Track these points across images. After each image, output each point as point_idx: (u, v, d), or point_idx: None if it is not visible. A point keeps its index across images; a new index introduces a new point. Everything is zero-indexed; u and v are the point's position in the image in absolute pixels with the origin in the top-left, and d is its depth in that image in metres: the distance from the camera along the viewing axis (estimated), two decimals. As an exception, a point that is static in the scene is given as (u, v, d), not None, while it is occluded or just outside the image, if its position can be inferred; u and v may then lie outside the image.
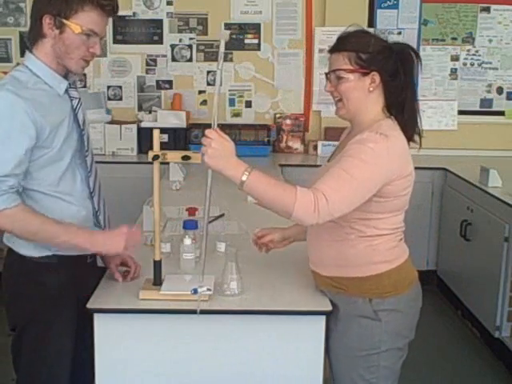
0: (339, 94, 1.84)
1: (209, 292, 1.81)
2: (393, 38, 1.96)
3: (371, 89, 1.81)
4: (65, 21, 1.78)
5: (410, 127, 1.86)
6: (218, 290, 1.91)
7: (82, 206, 1.93)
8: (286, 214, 1.67)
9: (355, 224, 1.82)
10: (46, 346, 1.91)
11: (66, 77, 1.90)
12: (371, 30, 4.56)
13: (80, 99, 1.95)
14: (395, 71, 1.81)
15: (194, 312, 1.82)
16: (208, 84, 4.73)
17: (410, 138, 1.88)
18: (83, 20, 1.79)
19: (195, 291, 1.79)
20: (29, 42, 1.88)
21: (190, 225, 2.17)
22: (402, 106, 1.84)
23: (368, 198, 1.75)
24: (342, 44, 1.83)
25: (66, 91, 1.90)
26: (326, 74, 1.87)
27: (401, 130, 1.83)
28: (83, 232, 1.83)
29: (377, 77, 1.81)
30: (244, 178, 1.69)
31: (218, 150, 1.68)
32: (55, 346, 1.92)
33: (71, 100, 1.91)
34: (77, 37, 1.80)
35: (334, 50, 1.85)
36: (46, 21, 1.80)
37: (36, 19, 1.82)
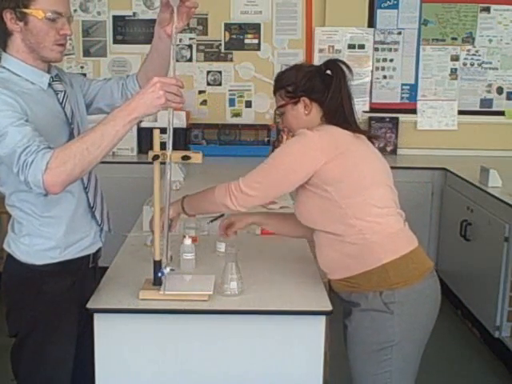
0: (287, 128, 2.07)
1: (172, 271, 1.85)
2: (393, 38, 2.02)
3: (306, 112, 2.00)
4: (25, 10, 1.73)
5: (349, 124, 1.97)
6: (218, 290, 1.91)
7: (77, 201, 1.90)
8: (216, 207, 1.99)
9: (338, 224, 1.90)
10: (48, 352, 1.89)
11: (48, 71, 1.86)
12: (371, 30, 4.63)
13: (65, 91, 1.90)
14: (323, 88, 1.98)
15: (194, 312, 1.83)
16: (208, 84, 4.73)
17: (355, 131, 1.99)
18: (43, 4, 1.74)
19: (162, 273, 1.83)
20: (2, 43, 1.82)
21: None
22: (339, 111, 1.97)
23: (294, 182, 1.91)
24: (275, 85, 2.07)
25: (50, 85, 1.86)
26: (275, 113, 2.12)
27: (338, 126, 1.96)
28: (118, 112, 1.63)
29: (306, 100, 1.99)
30: (182, 207, 2.05)
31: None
32: (57, 352, 1.91)
33: (56, 94, 1.87)
34: (43, 23, 1.75)
35: (273, 92, 2.08)
36: (7, 16, 1.74)
37: None
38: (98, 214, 1.98)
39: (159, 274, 1.84)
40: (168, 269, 1.82)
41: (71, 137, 1.86)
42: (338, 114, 1.97)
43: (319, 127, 1.95)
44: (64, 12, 1.79)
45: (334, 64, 2.00)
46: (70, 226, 1.89)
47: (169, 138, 1.75)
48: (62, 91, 1.89)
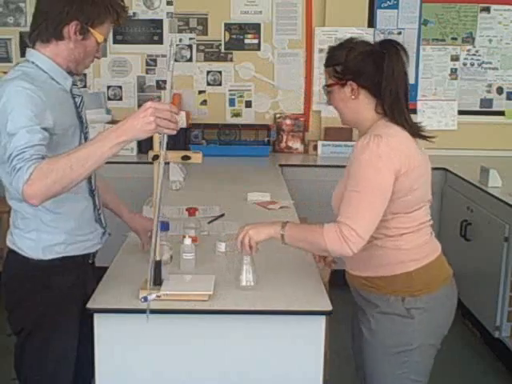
0: (334, 106, 1.98)
1: (157, 298, 1.79)
2: (393, 38, 1.98)
3: (353, 96, 1.90)
4: (91, 29, 1.83)
5: (401, 120, 1.89)
6: (234, 282, 1.94)
7: (85, 202, 1.93)
8: (325, 253, 1.91)
9: (377, 227, 1.83)
10: (51, 348, 1.90)
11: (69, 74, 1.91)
12: (371, 30, 4.63)
13: (82, 97, 1.96)
14: (374, 73, 1.87)
15: (194, 312, 1.83)
16: (208, 84, 4.73)
17: (413, 134, 1.92)
18: (103, 30, 1.87)
19: (145, 299, 1.75)
20: (35, 39, 1.85)
21: (162, 226, 2.07)
22: (395, 103, 1.88)
23: (387, 201, 1.81)
24: (326, 61, 1.97)
25: (70, 89, 1.91)
26: (323, 88, 2.01)
27: (397, 125, 1.88)
28: (107, 133, 1.63)
29: (354, 85, 1.89)
30: (282, 233, 1.88)
31: (251, 230, 1.92)
32: (60, 347, 1.92)
33: (74, 98, 1.92)
34: (96, 45, 1.87)
35: (324, 65, 1.98)
36: (73, 26, 1.81)
37: (60, 21, 1.80)
38: (103, 215, 2.01)
39: (142, 300, 1.75)
40: (153, 295, 1.77)
41: (84, 140, 1.92)
42: (396, 107, 1.87)
43: (380, 129, 1.85)
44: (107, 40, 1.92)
45: (390, 45, 1.88)
46: (77, 225, 1.91)
47: (160, 166, 1.75)
48: (79, 96, 1.95)
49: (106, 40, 1.91)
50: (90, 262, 2.03)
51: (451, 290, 2.00)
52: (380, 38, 4.65)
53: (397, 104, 1.88)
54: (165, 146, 1.72)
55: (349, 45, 1.92)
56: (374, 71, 1.87)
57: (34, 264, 1.86)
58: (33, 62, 1.83)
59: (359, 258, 1.87)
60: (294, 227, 1.92)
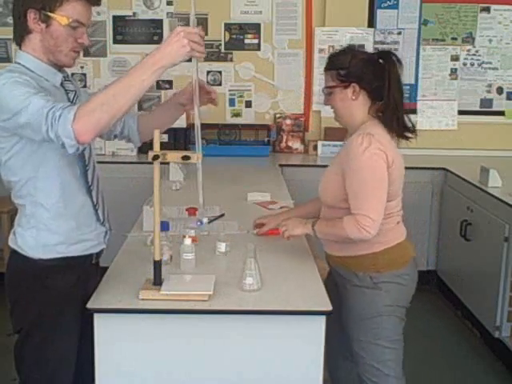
0: (332, 107, 2.21)
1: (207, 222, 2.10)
2: (393, 38, 2.11)
3: (353, 97, 2.15)
4: (50, 14, 1.77)
5: (391, 125, 2.15)
6: (237, 285, 1.94)
7: (83, 200, 1.92)
8: (350, 240, 2.11)
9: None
10: (51, 348, 1.90)
11: (59, 71, 1.89)
12: (371, 30, 4.63)
13: (76, 92, 1.94)
14: (373, 79, 2.13)
15: (194, 312, 1.83)
16: (208, 84, 4.72)
17: (399, 135, 2.19)
18: (68, 11, 1.78)
19: (201, 223, 2.14)
20: (15, 39, 1.86)
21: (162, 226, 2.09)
22: (384, 107, 2.14)
23: (387, 186, 2.08)
24: (328, 64, 2.20)
25: (62, 84, 1.89)
26: (323, 90, 2.24)
27: (384, 127, 2.15)
28: (143, 63, 1.66)
29: (356, 87, 2.14)
30: (313, 229, 2.19)
31: (289, 225, 2.24)
32: (60, 347, 1.91)
33: (67, 93, 1.90)
34: (64, 29, 1.79)
35: (325, 69, 2.22)
36: (31, 16, 1.78)
37: (20, 15, 1.80)
38: (101, 212, 2.00)
39: (198, 224, 1.98)
40: (206, 219, 2.03)
41: None
42: (388, 109, 2.13)
43: (369, 129, 2.10)
44: (85, 22, 1.83)
45: (387, 55, 2.14)
46: (75, 223, 1.91)
47: (195, 91, 1.86)
48: (72, 91, 1.93)
49: (81, 23, 1.81)
50: (94, 262, 2.02)
51: (412, 271, 2.26)
52: (380, 38, 4.67)
53: (395, 108, 2.13)
54: (197, 72, 1.84)
55: (351, 51, 2.19)
56: (374, 77, 2.13)
57: (33, 263, 1.86)
58: (19, 63, 1.83)
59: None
60: (322, 225, 2.19)
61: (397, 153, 2.15)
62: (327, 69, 2.19)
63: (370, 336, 2.21)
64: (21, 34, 1.83)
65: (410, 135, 2.20)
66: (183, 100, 2.11)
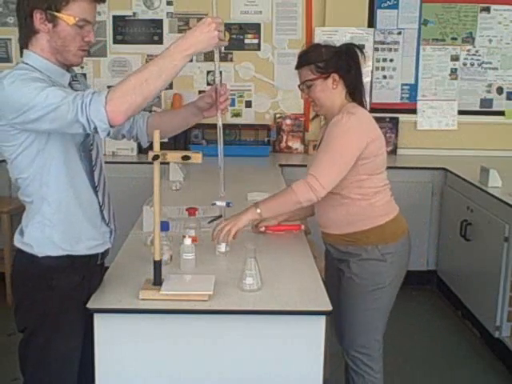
0: (312, 98, 2.36)
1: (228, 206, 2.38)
2: (393, 38, 2.21)
3: (334, 86, 2.33)
4: (56, 14, 1.77)
5: (363, 104, 2.38)
6: (237, 285, 1.94)
7: (89, 199, 1.92)
8: (299, 205, 2.23)
9: (352, 187, 2.29)
10: (54, 347, 1.89)
11: (67, 70, 1.89)
12: (371, 30, 4.63)
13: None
14: (348, 66, 2.32)
15: (194, 312, 1.83)
16: (208, 84, 4.73)
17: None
18: (75, 10, 1.77)
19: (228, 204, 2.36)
20: (21, 40, 1.86)
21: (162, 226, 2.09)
22: (358, 89, 2.37)
23: (352, 163, 2.24)
24: (303, 60, 2.35)
25: (69, 84, 1.89)
26: (299, 86, 2.39)
27: (361, 107, 2.35)
28: (174, 47, 1.73)
29: (336, 76, 2.32)
30: (258, 211, 2.27)
31: (231, 221, 2.26)
32: (64, 347, 1.91)
33: None
34: (71, 28, 1.79)
35: (299, 66, 2.37)
36: (37, 16, 1.77)
37: (26, 16, 1.80)
38: (106, 213, 2.00)
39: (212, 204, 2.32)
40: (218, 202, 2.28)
41: (86, 135, 1.88)
42: (358, 91, 2.37)
43: (351, 109, 2.28)
44: (92, 20, 1.84)
45: (352, 46, 2.36)
46: (82, 221, 1.90)
47: (220, 76, 2.05)
48: (80, 91, 1.90)
49: (88, 21, 1.81)
50: (99, 263, 2.01)
51: (407, 240, 2.44)
52: (380, 38, 4.68)
53: (362, 91, 2.38)
54: (219, 61, 2.02)
55: (320, 46, 2.38)
56: (347, 66, 2.32)
57: (38, 263, 1.86)
58: (26, 63, 1.82)
59: (337, 218, 2.36)
60: (266, 200, 2.32)
61: (378, 130, 2.34)
62: (303, 65, 2.34)
63: (373, 305, 2.35)
64: (27, 34, 1.82)
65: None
66: (202, 103, 2.13)
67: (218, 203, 2.45)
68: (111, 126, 1.67)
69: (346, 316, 2.42)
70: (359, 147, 2.24)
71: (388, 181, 2.41)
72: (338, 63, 2.31)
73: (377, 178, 2.33)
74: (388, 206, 2.38)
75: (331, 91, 2.33)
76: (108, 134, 1.71)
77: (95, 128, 1.67)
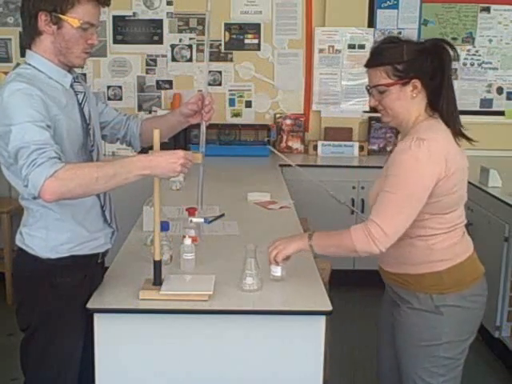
0: (383, 107, 1.91)
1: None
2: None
3: (414, 95, 1.87)
4: (62, 16, 1.78)
5: (451, 120, 1.93)
6: (237, 285, 1.94)
7: (92, 201, 1.93)
8: (354, 254, 1.83)
9: (412, 226, 1.84)
10: (56, 346, 1.90)
11: (69, 71, 1.90)
12: (371, 30, 4.62)
13: (85, 93, 1.95)
14: (433, 71, 1.85)
15: (194, 312, 1.83)
16: (208, 84, 4.72)
17: (456, 132, 1.97)
18: (80, 13, 1.79)
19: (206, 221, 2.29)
20: (25, 41, 1.87)
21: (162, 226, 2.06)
22: (443, 101, 1.89)
23: (423, 204, 1.82)
24: (377, 59, 1.88)
25: (71, 86, 1.90)
26: (368, 89, 1.93)
27: (445, 124, 1.90)
28: (137, 161, 1.72)
29: (418, 83, 1.85)
30: (310, 244, 1.91)
31: (280, 244, 1.95)
32: (65, 346, 1.92)
33: (76, 94, 1.91)
34: (76, 31, 1.80)
35: (370, 65, 1.90)
36: (42, 18, 1.79)
37: (30, 17, 1.80)
38: (108, 214, 2.00)
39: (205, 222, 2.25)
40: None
41: (88, 137, 1.91)
42: (444, 103, 1.89)
43: (422, 132, 1.84)
44: (96, 23, 1.85)
45: (441, 43, 1.85)
46: (84, 224, 1.91)
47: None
48: (82, 92, 1.94)
49: (92, 24, 1.83)
50: (99, 261, 2.02)
51: (481, 288, 1.99)
52: (380, 38, 4.66)
53: (453, 104, 1.91)
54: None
55: (402, 41, 1.88)
56: (433, 71, 1.85)
57: (40, 262, 1.86)
58: (29, 64, 1.84)
59: (390, 254, 1.88)
60: (321, 235, 1.92)
61: (456, 157, 1.94)
62: (377, 64, 1.87)
63: (426, 363, 1.94)
64: (31, 35, 1.83)
65: (468, 136, 2.01)
66: (187, 110, 2.12)
67: (195, 220, 2.31)
68: (39, 197, 1.66)
69: (403, 372, 2.03)
70: (428, 186, 1.82)
71: (462, 218, 2.01)
72: (422, 66, 1.83)
73: (444, 217, 1.91)
74: (452, 251, 1.92)
75: (409, 101, 1.87)
76: (34, 198, 1.75)
77: (26, 186, 1.66)
